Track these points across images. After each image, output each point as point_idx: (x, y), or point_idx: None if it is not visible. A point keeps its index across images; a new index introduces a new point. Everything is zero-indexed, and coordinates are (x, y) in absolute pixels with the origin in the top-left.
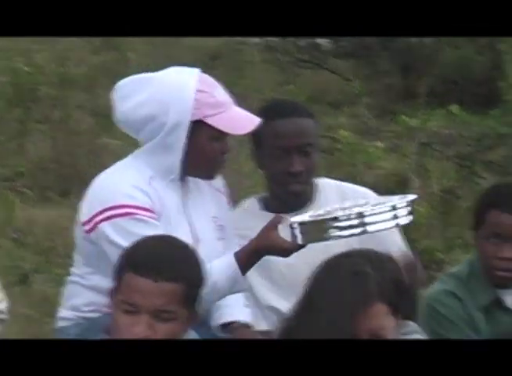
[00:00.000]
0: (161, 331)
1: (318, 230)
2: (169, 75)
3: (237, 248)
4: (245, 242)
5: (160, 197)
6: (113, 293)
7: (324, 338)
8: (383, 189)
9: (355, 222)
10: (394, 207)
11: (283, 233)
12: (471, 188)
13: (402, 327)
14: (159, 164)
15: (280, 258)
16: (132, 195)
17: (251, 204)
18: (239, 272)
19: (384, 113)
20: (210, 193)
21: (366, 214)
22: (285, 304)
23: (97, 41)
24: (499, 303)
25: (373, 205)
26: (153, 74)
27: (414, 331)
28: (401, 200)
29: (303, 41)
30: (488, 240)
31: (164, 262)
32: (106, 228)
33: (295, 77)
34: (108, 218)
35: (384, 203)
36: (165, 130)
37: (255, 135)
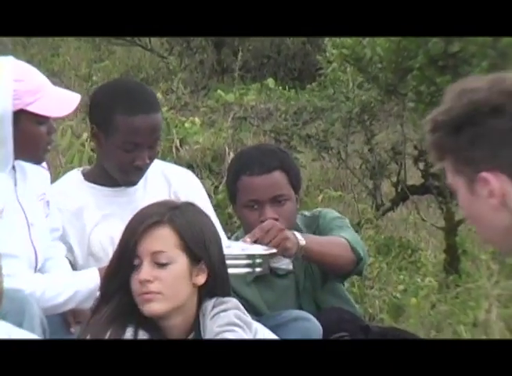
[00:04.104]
0: None
1: None
2: None
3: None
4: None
5: None
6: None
7: None
8: (200, 163)
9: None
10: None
11: None
12: None
13: (221, 303)
14: None
15: None
16: None
17: (75, 175)
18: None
19: (199, 88)
20: (35, 172)
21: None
22: None
23: None
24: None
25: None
26: None
27: (234, 307)
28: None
29: None
30: (248, 207)
31: None
32: None
33: (109, 54)
34: None
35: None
36: None
37: (108, 124)
